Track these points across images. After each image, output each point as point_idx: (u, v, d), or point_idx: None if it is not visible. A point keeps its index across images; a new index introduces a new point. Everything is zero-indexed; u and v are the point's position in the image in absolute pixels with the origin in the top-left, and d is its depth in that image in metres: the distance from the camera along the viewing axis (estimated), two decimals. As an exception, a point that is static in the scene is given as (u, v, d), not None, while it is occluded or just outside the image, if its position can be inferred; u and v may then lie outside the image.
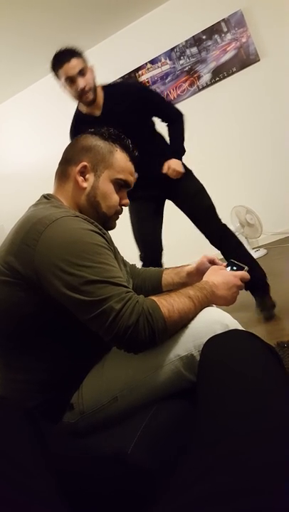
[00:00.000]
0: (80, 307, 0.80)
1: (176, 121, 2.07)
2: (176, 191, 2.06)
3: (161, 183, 2.01)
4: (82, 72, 1.79)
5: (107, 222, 1.06)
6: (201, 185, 2.11)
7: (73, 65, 1.77)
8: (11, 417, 0.52)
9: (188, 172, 2.07)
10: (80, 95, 1.84)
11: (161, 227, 2.19)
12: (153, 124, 2.06)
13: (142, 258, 2.15)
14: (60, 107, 4.01)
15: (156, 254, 2.15)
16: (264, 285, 2.08)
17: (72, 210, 0.96)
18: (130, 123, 1.75)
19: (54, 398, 0.88)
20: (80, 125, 1.97)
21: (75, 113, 2.03)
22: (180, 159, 2.02)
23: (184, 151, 2.09)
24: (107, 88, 1.96)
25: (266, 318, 1.98)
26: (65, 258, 0.80)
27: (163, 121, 2.09)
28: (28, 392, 0.88)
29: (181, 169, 1.98)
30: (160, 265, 2.12)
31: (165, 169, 1.96)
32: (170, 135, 2.09)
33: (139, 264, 1.30)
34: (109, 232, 1.11)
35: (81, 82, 1.79)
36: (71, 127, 2.05)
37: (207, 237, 2.10)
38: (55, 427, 0.86)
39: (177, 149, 2.05)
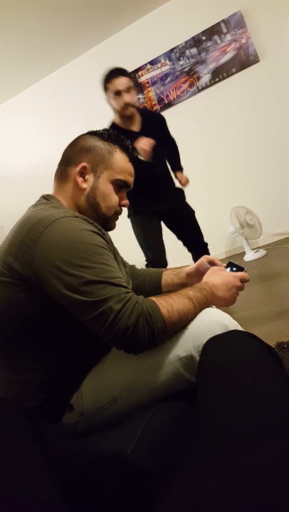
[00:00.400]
0: (79, 308, 0.80)
1: (173, 142, 2.55)
2: (178, 208, 2.48)
3: (169, 198, 2.42)
4: (128, 90, 2.15)
5: (107, 222, 1.06)
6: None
7: (123, 82, 2.14)
8: (11, 417, 0.52)
9: (183, 193, 2.53)
10: (124, 108, 2.17)
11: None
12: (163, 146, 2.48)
13: (149, 260, 2.43)
14: (61, 108, 4.02)
15: (163, 257, 2.47)
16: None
17: (71, 211, 0.96)
18: (158, 139, 2.23)
19: (53, 399, 0.88)
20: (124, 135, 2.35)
21: (111, 126, 2.33)
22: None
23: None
24: (142, 111, 2.37)
25: None
26: (65, 258, 0.80)
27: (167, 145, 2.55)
28: (27, 392, 0.88)
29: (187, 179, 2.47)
30: (166, 265, 2.45)
31: (180, 179, 2.42)
32: (172, 153, 2.54)
33: (139, 265, 1.30)
34: (109, 232, 1.11)
35: (127, 97, 2.15)
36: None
37: (192, 249, 2.57)
38: (55, 427, 0.85)
39: (179, 165, 2.54)
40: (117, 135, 1.08)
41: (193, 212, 2.53)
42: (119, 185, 1.05)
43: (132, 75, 2.22)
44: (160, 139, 2.32)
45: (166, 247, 2.49)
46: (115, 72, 2.17)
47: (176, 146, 2.56)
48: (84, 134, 1.09)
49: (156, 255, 2.40)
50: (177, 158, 2.56)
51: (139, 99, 3.75)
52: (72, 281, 0.78)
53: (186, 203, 2.53)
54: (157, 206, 2.40)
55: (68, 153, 1.07)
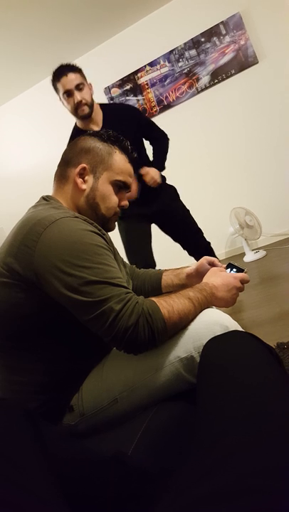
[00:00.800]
0: (79, 308, 0.80)
1: (159, 140, 2.25)
2: (166, 209, 2.23)
3: (154, 200, 2.15)
4: (79, 87, 1.92)
5: (106, 223, 1.06)
6: (186, 209, 2.31)
7: (71, 79, 1.90)
8: (12, 417, 0.52)
9: (177, 195, 2.28)
10: (76, 108, 1.95)
11: (151, 246, 2.30)
12: (143, 148, 2.20)
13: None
14: (61, 109, 4.01)
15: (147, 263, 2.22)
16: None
17: (71, 211, 0.96)
18: (127, 136, 1.89)
19: (54, 399, 0.88)
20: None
21: (73, 128, 2.13)
22: (161, 170, 2.18)
23: (164, 168, 2.22)
24: (106, 106, 2.10)
25: None
26: (65, 259, 0.80)
27: (148, 139, 2.25)
28: (27, 393, 0.88)
29: (159, 179, 2.10)
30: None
31: (143, 172, 2.05)
32: (154, 151, 2.24)
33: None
34: (109, 233, 1.11)
35: (78, 96, 1.92)
36: (69, 142, 2.13)
37: (191, 252, 2.35)
38: (55, 428, 0.85)
39: (158, 163, 2.19)
40: (116, 136, 1.08)
41: (187, 211, 2.29)
42: (118, 186, 1.06)
43: (81, 71, 2.00)
44: (132, 136, 1.93)
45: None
46: (63, 70, 1.93)
47: (163, 144, 2.26)
48: (83, 135, 1.09)
49: (135, 262, 2.17)
50: (159, 156, 2.23)
51: (138, 100, 3.76)
52: (72, 282, 0.78)
53: (178, 202, 2.28)
54: (142, 209, 2.15)
55: (68, 154, 1.07)
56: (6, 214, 3.95)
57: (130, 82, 3.74)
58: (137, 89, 3.73)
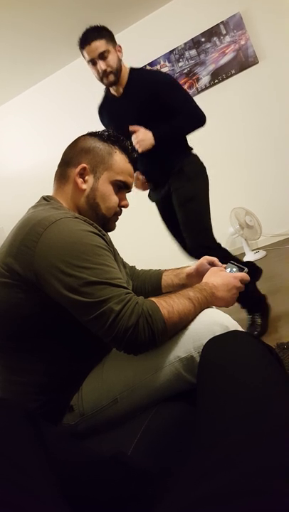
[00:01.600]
0: (79, 308, 0.80)
1: (185, 113, 1.89)
2: (170, 194, 1.95)
3: (163, 185, 1.94)
4: (103, 55, 1.80)
5: (107, 223, 1.06)
6: (196, 194, 1.92)
7: (94, 48, 1.79)
8: (12, 418, 0.52)
9: (189, 175, 1.93)
10: (102, 77, 1.85)
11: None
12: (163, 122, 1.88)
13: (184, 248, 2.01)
14: (61, 109, 4.02)
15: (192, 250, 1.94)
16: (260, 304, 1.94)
17: (71, 212, 0.96)
18: (145, 112, 1.81)
19: (54, 400, 0.88)
20: (103, 103, 2.05)
21: (104, 92, 2.04)
22: (157, 139, 1.82)
23: (166, 138, 1.86)
24: (134, 71, 1.94)
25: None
26: (65, 259, 0.80)
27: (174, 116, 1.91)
28: (27, 393, 0.88)
29: (146, 142, 1.80)
30: (206, 246, 1.86)
31: (132, 128, 1.81)
32: (176, 120, 1.89)
33: (139, 266, 1.30)
34: (109, 233, 1.11)
35: (102, 65, 1.80)
36: (99, 110, 2.10)
37: (186, 250, 1.97)
38: (55, 428, 0.85)
39: (160, 131, 1.83)
40: (116, 136, 1.08)
41: (190, 198, 1.88)
42: (118, 186, 1.06)
43: (107, 36, 1.83)
44: (154, 111, 1.83)
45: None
46: (87, 38, 1.80)
47: (185, 119, 1.90)
48: (83, 135, 1.09)
49: (177, 240, 2.04)
50: (168, 125, 1.85)
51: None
52: (72, 282, 0.78)
53: (184, 185, 1.90)
54: (155, 193, 2.02)
55: (68, 154, 1.07)
56: (6, 214, 3.95)
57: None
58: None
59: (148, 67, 3.69)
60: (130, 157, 1.08)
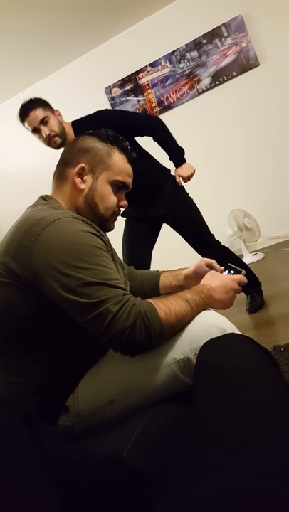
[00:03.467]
0: (76, 309, 0.80)
1: (155, 130, 2.03)
2: (170, 217, 2.10)
3: (154, 207, 2.04)
4: (44, 121, 1.91)
5: (105, 223, 1.06)
6: (195, 212, 2.13)
7: (33, 118, 1.91)
8: (8, 418, 0.51)
9: (184, 197, 2.10)
10: (49, 142, 1.96)
11: (151, 248, 2.19)
12: (135, 142, 2.03)
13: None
14: (60, 109, 4.02)
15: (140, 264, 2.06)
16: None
17: (70, 212, 0.96)
18: None
19: (50, 400, 0.88)
20: None
21: None
22: (184, 160, 2.04)
23: (183, 151, 2.07)
24: (75, 124, 2.03)
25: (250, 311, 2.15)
26: (63, 260, 0.80)
27: (143, 136, 2.04)
28: (23, 394, 0.88)
29: (191, 170, 2.03)
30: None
31: (179, 182, 2.01)
32: (162, 147, 2.07)
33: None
34: (108, 234, 1.11)
35: (46, 130, 1.92)
36: None
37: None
38: (52, 429, 0.85)
39: (176, 155, 2.05)
40: (115, 136, 1.08)
41: (190, 219, 2.11)
42: (117, 186, 1.05)
43: (43, 103, 1.97)
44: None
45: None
46: (24, 110, 1.94)
47: (162, 132, 2.01)
48: (82, 135, 1.09)
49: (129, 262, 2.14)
50: (168, 147, 2.03)
51: (139, 101, 3.75)
52: (69, 283, 0.78)
53: (177, 207, 2.07)
54: (140, 212, 2.08)
55: (67, 154, 1.06)
56: (4, 213, 3.94)
57: (131, 83, 3.74)
58: (138, 90, 3.73)
59: (149, 68, 3.69)
60: (129, 157, 1.08)
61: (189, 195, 2.15)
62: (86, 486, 0.55)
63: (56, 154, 1.11)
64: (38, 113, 1.91)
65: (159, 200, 2.04)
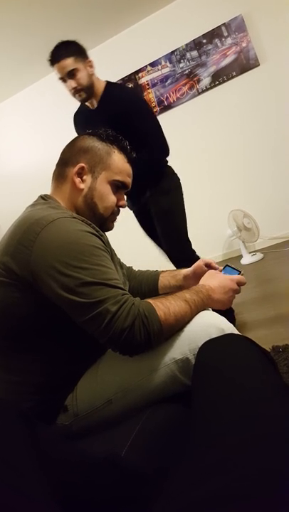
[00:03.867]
0: (75, 309, 0.80)
1: (145, 150, 1.84)
2: (150, 207, 2.00)
3: (137, 201, 2.01)
4: (72, 73, 1.81)
5: (104, 223, 1.06)
6: (172, 207, 1.97)
7: (62, 66, 1.80)
8: (6, 417, 0.51)
9: (164, 189, 1.96)
10: (73, 94, 1.89)
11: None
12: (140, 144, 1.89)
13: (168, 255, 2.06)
14: (59, 108, 4.01)
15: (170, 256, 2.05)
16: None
17: (69, 211, 0.96)
18: (116, 127, 1.71)
19: (48, 400, 0.88)
20: (78, 112, 2.10)
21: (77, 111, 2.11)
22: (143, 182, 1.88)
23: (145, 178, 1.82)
24: (110, 86, 1.94)
25: None
26: (62, 259, 0.80)
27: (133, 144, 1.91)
28: (22, 393, 0.88)
29: None
30: (186, 256, 1.95)
31: None
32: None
33: (136, 267, 1.30)
34: (107, 233, 1.11)
35: (72, 83, 1.83)
36: (74, 113, 2.14)
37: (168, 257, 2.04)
38: (50, 428, 0.85)
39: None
40: (115, 135, 1.08)
41: (166, 211, 1.95)
42: (116, 186, 1.05)
43: (75, 53, 1.83)
44: (119, 123, 1.67)
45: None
46: (56, 55, 1.83)
47: (143, 160, 1.72)
48: (82, 135, 1.09)
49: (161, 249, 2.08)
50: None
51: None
52: (68, 282, 0.78)
53: (161, 199, 1.94)
54: (130, 203, 2.08)
55: (66, 153, 1.06)
56: (3, 212, 3.94)
57: (131, 82, 3.74)
58: (138, 89, 3.73)
59: (149, 68, 3.69)
60: (129, 157, 1.08)
61: (182, 194, 2.03)
62: (84, 486, 0.55)
63: (55, 153, 1.11)
64: (68, 63, 1.81)
65: (148, 189, 1.97)
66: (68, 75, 1.81)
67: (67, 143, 1.09)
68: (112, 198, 1.04)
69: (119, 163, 1.05)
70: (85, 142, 1.05)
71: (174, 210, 1.97)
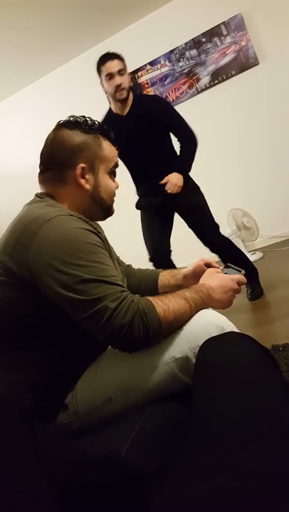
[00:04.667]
0: (74, 306, 0.79)
1: (185, 140, 2.31)
2: (178, 205, 2.28)
3: (162, 194, 2.18)
4: (121, 72, 2.11)
5: (110, 210, 1.08)
6: (203, 203, 2.33)
7: (115, 64, 2.11)
8: (6, 415, 0.51)
9: (193, 188, 2.31)
10: (115, 91, 2.13)
11: (169, 234, 2.39)
12: (167, 139, 2.31)
13: (150, 260, 2.33)
14: (58, 107, 4.01)
15: (162, 256, 2.33)
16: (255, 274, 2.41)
17: (66, 209, 0.95)
18: (145, 130, 2.19)
19: (48, 398, 0.88)
20: (108, 122, 2.19)
21: (107, 112, 2.31)
22: (183, 175, 2.22)
23: (189, 169, 2.29)
24: (137, 97, 2.28)
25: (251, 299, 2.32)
26: (60, 257, 0.79)
27: (176, 136, 2.32)
28: (21, 392, 0.88)
29: (180, 183, 2.18)
30: (169, 265, 2.30)
31: (164, 181, 2.17)
32: (180, 151, 2.31)
33: (136, 265, 1.30)
34: (105, 231, 1.11)
35: (118, 80, 2.11)
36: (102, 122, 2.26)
37: (208, 247, 2.34)
38: (49, 427, 0.85)
39: (180, 165, 2.26)
40: (92, 121, 1.04)
41: (201, 207, 2.31)
42: (112, 172, 1.06)
43: (124, 61, 2.19)
44: (158, 127, 2.22)
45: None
46: (109, 56, 2.14)
47: (188, 146, 2.30)
48: (63, 128, 1.02)
49: (153, 256, 2.30)
50: (182, 158, 2.29)
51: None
52: (67, 280, 0.78)
53: (187, 195, 2.25)
54: (151, 200, 2.30)
55: (58, 155, 1.00)
56: (2, 211, 3.94)
57: (130, 81, 3.74)
58: (137, 88, 3.73)
59: (148, 67, 3.69)
60: (111, 139, 1.06)
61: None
62: (83, 485, 0.55)
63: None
64: (120, 64, 2.13)
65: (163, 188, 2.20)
66: (118, 73, 2.11)
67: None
68: (113, 186, 1.06)
69: (108, 150, 1.04)
70: (74, 139, 1.00)
71: (205, 205, 2.33)
